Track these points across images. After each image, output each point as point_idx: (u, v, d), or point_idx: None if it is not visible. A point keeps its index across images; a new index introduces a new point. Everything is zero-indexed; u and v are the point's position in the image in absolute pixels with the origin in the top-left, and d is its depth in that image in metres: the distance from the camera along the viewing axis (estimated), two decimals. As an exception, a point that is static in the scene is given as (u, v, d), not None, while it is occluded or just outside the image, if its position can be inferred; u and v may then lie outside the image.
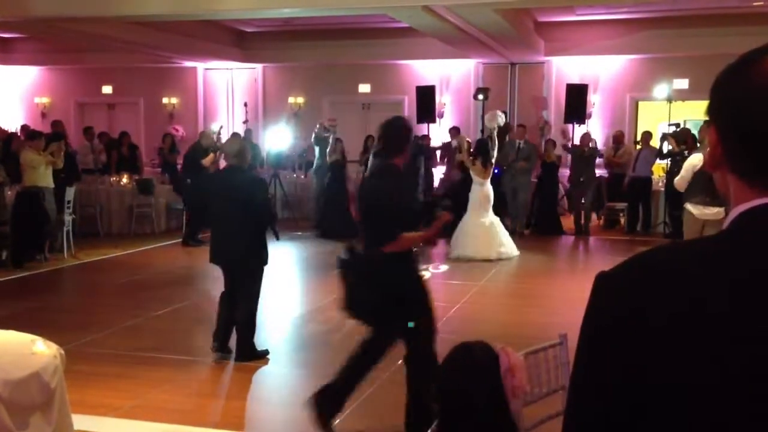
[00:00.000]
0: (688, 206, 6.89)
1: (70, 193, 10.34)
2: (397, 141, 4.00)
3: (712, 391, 0.85)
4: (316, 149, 12.81)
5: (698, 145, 10.13)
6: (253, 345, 5.77)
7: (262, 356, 5.80)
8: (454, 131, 13.45)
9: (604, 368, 0.92)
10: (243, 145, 5.94)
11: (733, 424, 0.84)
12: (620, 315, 0.92)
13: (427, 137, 13.47)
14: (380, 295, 4.03)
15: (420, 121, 14.42)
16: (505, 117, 14.31)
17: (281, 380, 5.67)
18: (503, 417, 1.97)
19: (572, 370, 1.00)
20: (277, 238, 6.04)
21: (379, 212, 3.99)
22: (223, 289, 5.89)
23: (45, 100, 18.14)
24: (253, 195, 5.55)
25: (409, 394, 4.11)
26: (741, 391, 0.84)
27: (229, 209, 5.55)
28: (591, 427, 0.94)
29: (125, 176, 12.75)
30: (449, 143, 13.01)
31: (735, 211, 0.95)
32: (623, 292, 0.94)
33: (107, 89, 17.88)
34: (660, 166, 12.52)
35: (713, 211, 6.60)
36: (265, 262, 5.75)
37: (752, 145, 0.92)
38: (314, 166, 12.92)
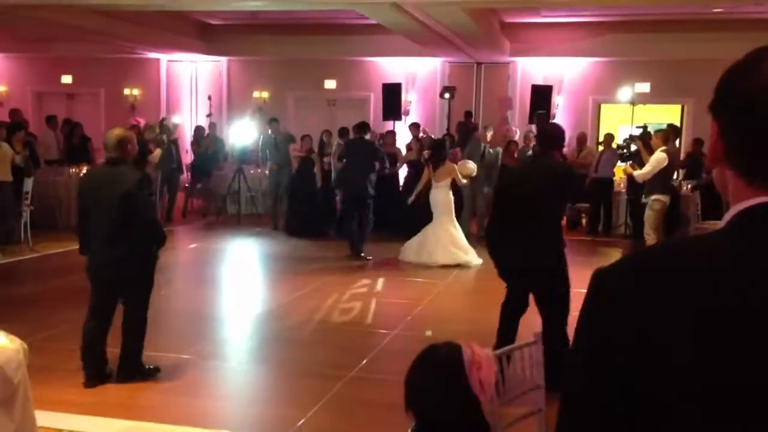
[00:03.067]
0: (659, 197, 8.55)
1: (28, 184, 10.10)
2: (554, 140, 5.11)
3: (722, 389, 0.85)
4: (267, 151, 12.63)
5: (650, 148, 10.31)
6: (141, 362, 5.18)
7: (151, 375, 5.19)
8: (414, 127, 13.28)
9: (602, 356, 0.92)
10: (125, 135, 5.13)
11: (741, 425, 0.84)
12: (619, 304, 0.92)
13: (392, 134, 13.16)
14: (564, 261, 4.91)
15: (386, 118, 14.43)
16: (471, 116, 14.39)
17: (244, 377, 5.62)
18: (473, 411, 1.94)
19: (567, 368, 0.99)
20: (156, 256, 5.15)
21: (571, 184, 5.16)
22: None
23: (1, 88, 17.71)
24: (129, 192, 4.84)
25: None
26: (750, 391, 0.84)
27: (102, 209, 4.92)
28: (591, 416, 0.93)
29: (85, 168, 12.48)
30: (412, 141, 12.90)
31: (733, 210, 0.94)
32: (622, 283, 0.93)
33: (67, 79, 17.51)
34: (621, 168, 12.69)
35: (668, 200, 8.72)
36: (149, 266, 5.09)
37: (754, 142, 0.92)
38: (270, 167, 12.62)
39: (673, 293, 0.89)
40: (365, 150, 10.15)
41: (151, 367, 5.24)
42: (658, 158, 8.44)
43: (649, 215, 8.74)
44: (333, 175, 11.91)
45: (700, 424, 0.86)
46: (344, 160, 10.55)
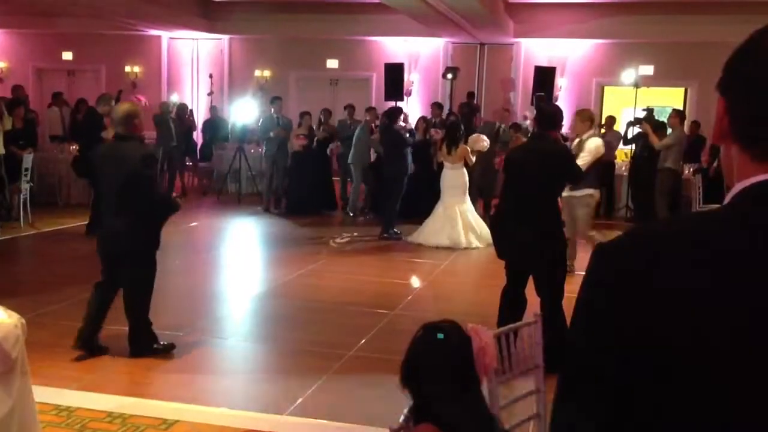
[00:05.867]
0: (591, 191, 7.47)
1: (27, 160, 10.07)
2: (553, 119, 5.10)
3: (718, 352, 0.83)
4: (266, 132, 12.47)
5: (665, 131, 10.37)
6: (146, 339, 5.15)
7: (163, 351, 5.18)
8: (436, 107, 12.98)
9: (604, 331, 0.90)
10: (132, 110, 5.12)
11: (739, 387, 0.83)
12: (622, 278, 0.90)
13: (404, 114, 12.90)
14: (563, 242, 5.01)
15: (388, 98, 14.33)
16: (473, 97, 14.31)
17: (243, 355, 5.62)
18: (475, 396, 1.94)
19: (568, 339, 0.97)
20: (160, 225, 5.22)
21: (569, 165, 5.15)
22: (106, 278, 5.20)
23: (2, 64, 17.62)
24: (133, 170, 4.84)
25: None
26: (745, 354, 0.82)
27: (108, 184, 5.00)
28: (590, 390, 0.91)
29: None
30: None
31: (737, 186, 0.93)
32: (625, 257, 0.92)
33: (67, 55, 17.42)
34: (623, 151, 12.69)
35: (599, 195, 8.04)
36: (153, 247, 5.09)
37: (761, 112, 0.91)
38: (269, 148, 12.24)
39: (673, 273, 0.87)
40: (391, 137, 10.27)
41: (165, 343, 5.23)
42: (596, 146, 6.96)
43: (583, 214, 7.47)
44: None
45: (699, 412, 0.84)
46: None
